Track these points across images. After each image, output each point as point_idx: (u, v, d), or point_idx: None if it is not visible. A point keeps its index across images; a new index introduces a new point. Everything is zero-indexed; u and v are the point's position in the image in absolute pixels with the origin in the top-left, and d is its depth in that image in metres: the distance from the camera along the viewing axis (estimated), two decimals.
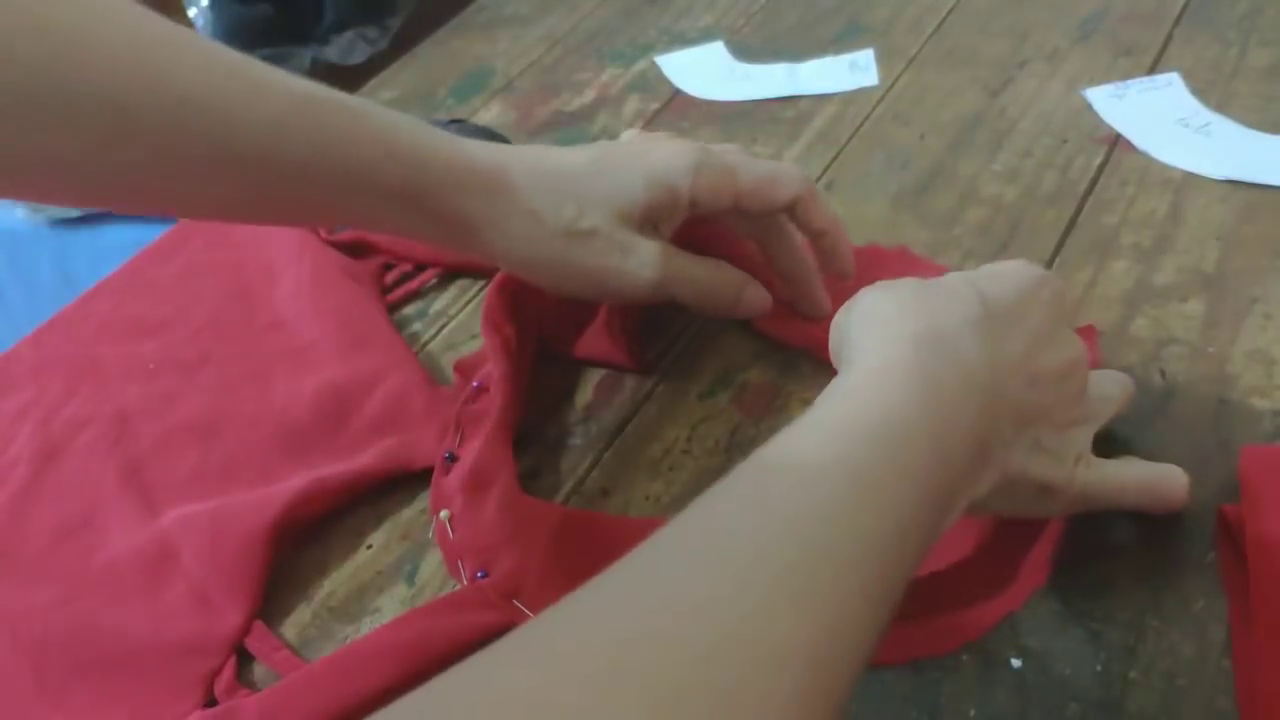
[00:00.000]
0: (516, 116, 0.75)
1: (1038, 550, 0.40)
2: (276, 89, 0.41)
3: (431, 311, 0.60)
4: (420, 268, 0.62)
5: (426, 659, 0.40)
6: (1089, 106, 0.63)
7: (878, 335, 0.34)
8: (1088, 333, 0.47)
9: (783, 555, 0.27)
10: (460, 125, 0.70)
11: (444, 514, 0.46)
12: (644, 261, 0.46)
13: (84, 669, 0.43)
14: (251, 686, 0.42)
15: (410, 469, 0.49)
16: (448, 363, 0.55)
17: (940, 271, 0.54)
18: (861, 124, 0.67)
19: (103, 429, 0.54)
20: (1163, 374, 0.46)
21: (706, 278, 0.48)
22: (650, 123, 0.71)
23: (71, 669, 0.43)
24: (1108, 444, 0.40)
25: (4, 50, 0.35)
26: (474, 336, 0.57)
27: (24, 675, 0.44)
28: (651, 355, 0.54)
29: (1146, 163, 0.59)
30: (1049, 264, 0.53)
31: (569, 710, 0.22)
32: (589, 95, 0.76)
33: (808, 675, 0.25)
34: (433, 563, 0.46)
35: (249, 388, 0.55)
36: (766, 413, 0.49)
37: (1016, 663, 0.38)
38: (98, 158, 0.39)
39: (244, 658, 0.43)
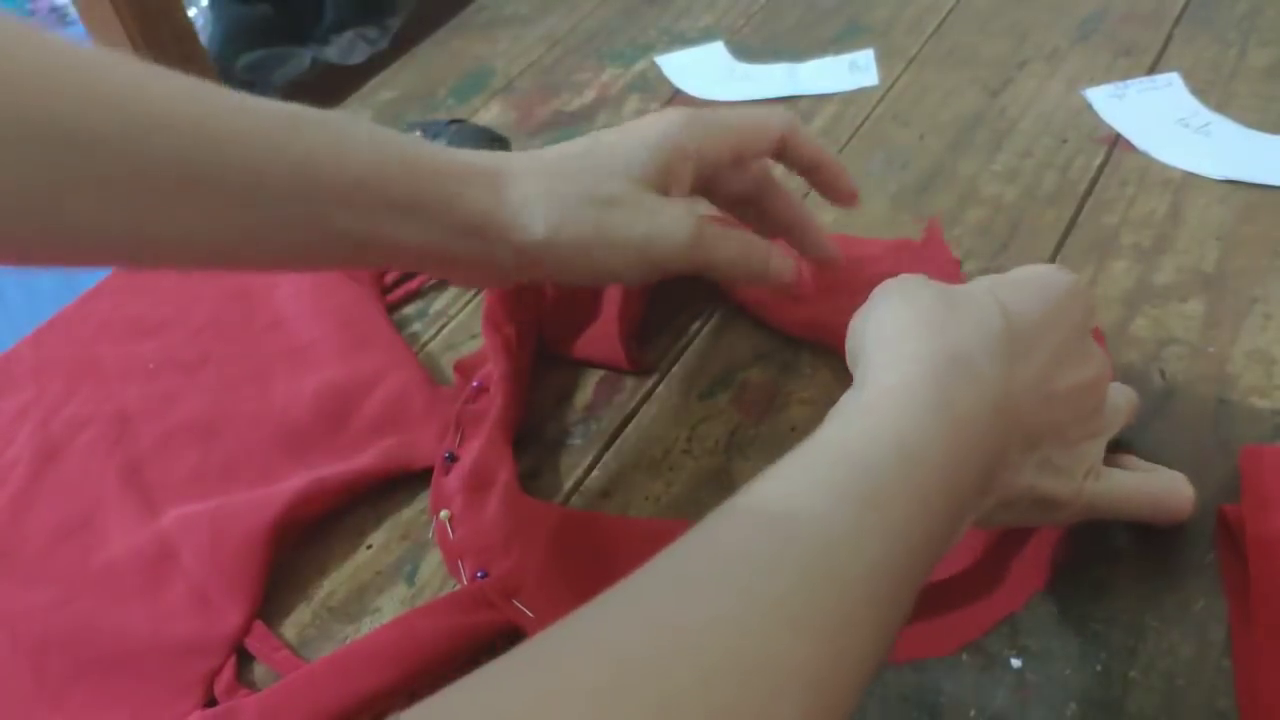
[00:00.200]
0: (516, 116, 0.75)
1: (1038, 551, 0.40)
2: (254, 105, 0.38)
3: (431, 311, 0.60)
4: None
5: (426, 659, 0.40)
6: (1089, 106, 0.63)
7: (894, 350, 0.34)
8: (1094, 336, 0.47)
9: (785, 577, 0.27)
10: (460, 125, 0.70)
11: (444, 514, 0.46)
12: (676, 219, 0.43)
13: (84, 669, 0.43)
14: (251, 686, 0.42)
15: (410, 469, 0.49)
16: (448, 363, 0.55)
17: (954, 265, 0.54)
18: (861, 124, 0.67)
19: (103, 429, 0.54)
20: (1163, 374, 0.46)
21: (738, 238, 0.46)
22: None
23: (71, 669, 0.43)
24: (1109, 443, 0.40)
25: None
26: (474, 336, 0.57)
27: (24, 675, 0.44)
28: (651, 356, 0.54)
29: (1146, 163, 0.59)
30: (1049, 264, 0.53)
31: None
32: (589, 95, 0.76)
33: (808, 696, 0.25)
34: (433, 563, 0.46)
35: (249, 388, 0.55)
36: (766, 413, 0.49)
37: (1016, 663, 0.38)
38: (57, 199, 0.34)
39: (244, 658, 0.43)
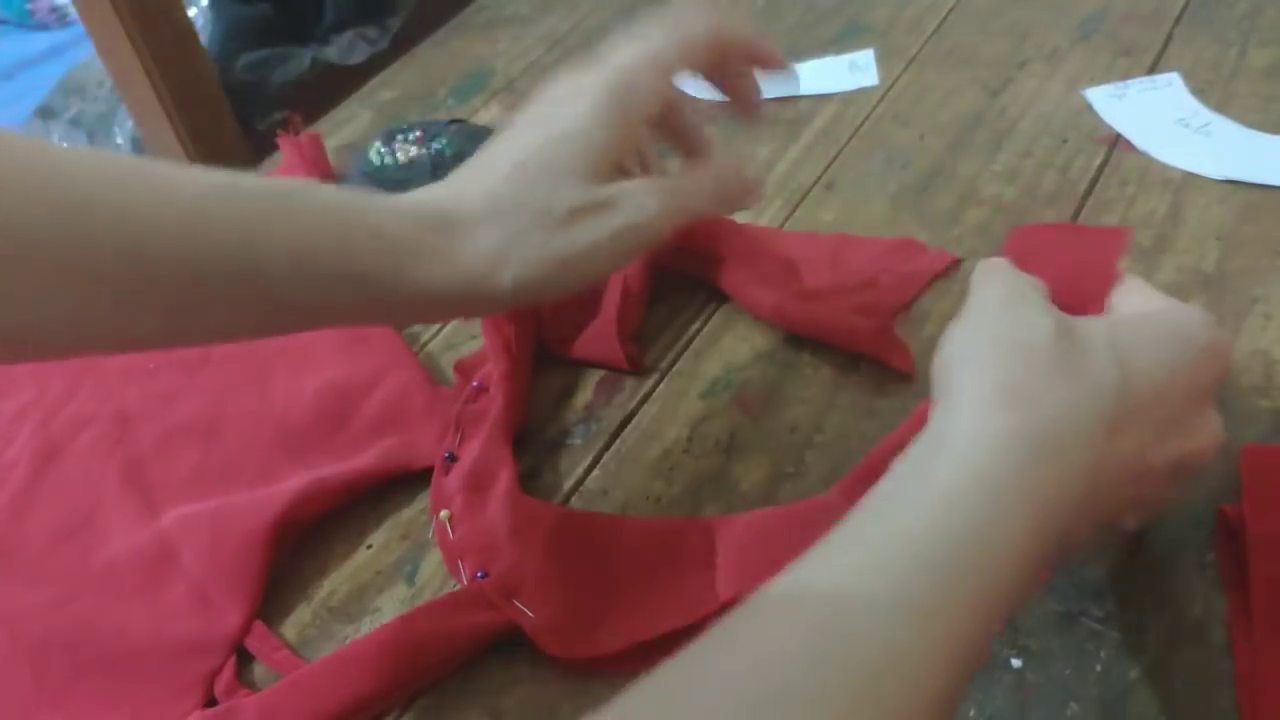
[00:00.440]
0: None
1: None
2: (187, 180, 0.35)
3: None
4: None
5: (426, 659, 0.40)
6: (1089, 106, 0.63)
7: (988, 417, 0.30)
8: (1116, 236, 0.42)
9: (832, 704, 0.25)
10: (460, 125, 0.70)
11: (444, 514, 0.46)
12: (639, 205, 0.40)
13: (84, 669, 0.43)
14: (251, 686, 0.42)
15: (410, 469, 0.49)
16: (448, 363, 0.55)
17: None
18: (861, 124, 0.67)
19: (103, 429, 0.54)
20: None
21: (706, 182, 0.43)
22: None
23: (71, 669, 0.43)
24: None
25: None
26: (474, 336, 0.57)
27: (24, 675, 0.44)
28: (651, 356, 0.54)
29: (1146, 163, 0.59)
30: None
31: None
32: None
33: None
34: (433, 563, 0.46)
35: (249, 388, 0.55)
36: (766, 413, 0.49)
37: (1016, 663, 0.38)
38: None
39: (244, 658, 0.43)
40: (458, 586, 0.44)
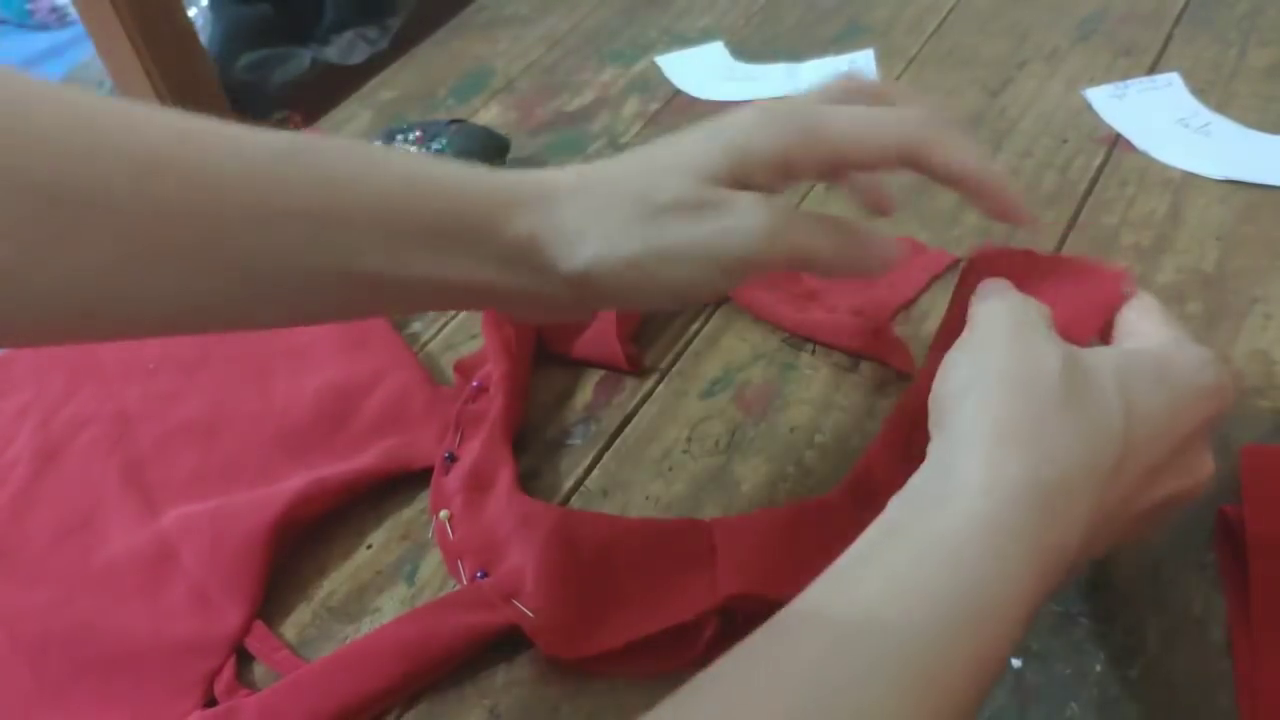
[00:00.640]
0: (516, 116, 0.75)
1: None
2: (259, 138, 0.33)
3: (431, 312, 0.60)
4: None
5: (426, 659, 0.40)
6: (1089, 106, 0.63)
7: (990, 464, 0.29)
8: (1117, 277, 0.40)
9: None
10: (460, 125, 0.70)
11: (444, 514, 0.46)
12: (746, 211, 0.35)
13: (84, 669, 0.43)
14: (251, 686, 0.42)
15: (410, 469, 0.49)
16: (448, 363, 0.55)
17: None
18: None
19: (103, 429, 0.54)
20: None
21: (830, 222, 0.37)
22: (650, 123, 0.71)
23: (71, 669, 0.43)
24: None
25: None
26: (474, 336, 0.57)
27: (24, 675, 0.43)
28: (651, 357, 0.54)
29: (1146, 163, 0.59)
30: None
31: None
32: (589, 95, 0.76)
33: None
34: (433, 563, 0.46)
35: (249, 388, 0.55)
36: (766, 413, 0.49)
37: (1016, 663, 0.38)
38: (47, 262, 0.30)
39: (244, 658, 0.43)
40: (458, 586, 0.44)
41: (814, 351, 0.52)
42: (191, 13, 1.27)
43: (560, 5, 0.89)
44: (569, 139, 0.71)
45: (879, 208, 0.42)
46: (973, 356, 0.33)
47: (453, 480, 0.47)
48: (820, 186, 0.62)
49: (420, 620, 0.42)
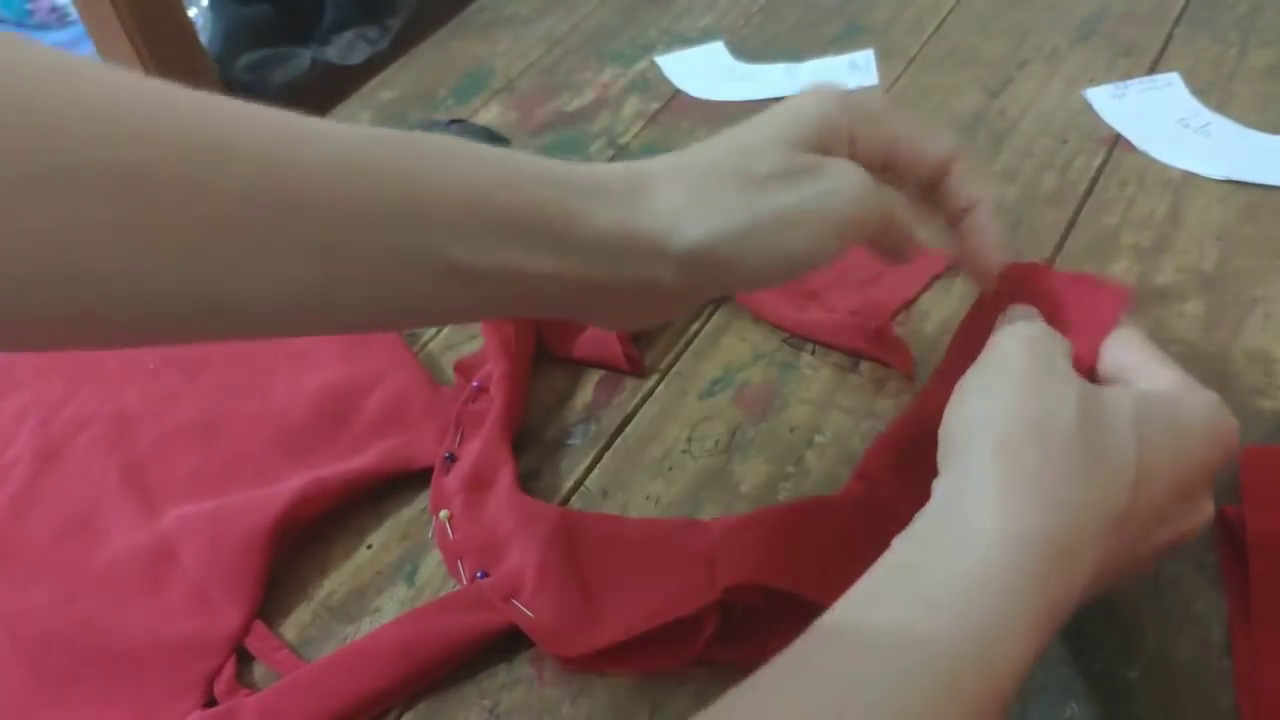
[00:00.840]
0: (516, 117, 0.75)
1: None
2: (334, 127, 0.32)
3: None
4: None
5: (426, 659, 0.40)
6: (1089, 107, 0.63)
7: (1004, 515, 0.29)
8: (1114, 291, 0.40)
9: None
10: (460, 125, 0.70)
11: (444, 514, 0.46)
12: (844, 170, 0.35)
13: (84, 669, 0.43)
14: (251, 686, 0.42)
15: (410, 469, 0.49)
16: (448, 363, 0.55)
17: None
18: None
19: (103, 429, 0.54)
20: None
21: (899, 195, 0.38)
22: (650, 123, 0.71)
23: (71, 669, 0.43)
24: None
25: None
26: (474, 336, 0.57)
27: (24, 675, 0.43)
28: (651, 357, 0.54)
29: (1146, 163, 0.59)
30: (1049, 264, 0.53)
31: None
32: (589, 95, 0.76)
33: None
34: (433, 563, 0.46)
35: (249, 388, 0.55)
36: (766, 413, 0.49)
37: None
38: (109, 254, 0.27)
39: (244, 658, 0.43)
40: (458, 586, 0.44)
41: (814, 351, 0.52)
42: (191, 13, 1.27)
43: (560, 5, 0.89)
44: (569, 139, 0.71)
45: (980, 278, 0.41)
46: (987, 393, 0.33)
47: (453, 480, 0.47)
48: None
49: (420, 620, 0.42)
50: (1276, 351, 0.46)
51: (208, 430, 0.53)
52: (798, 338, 0.52)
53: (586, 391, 0.52)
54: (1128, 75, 0.65)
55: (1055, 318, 0.37)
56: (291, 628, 0.45)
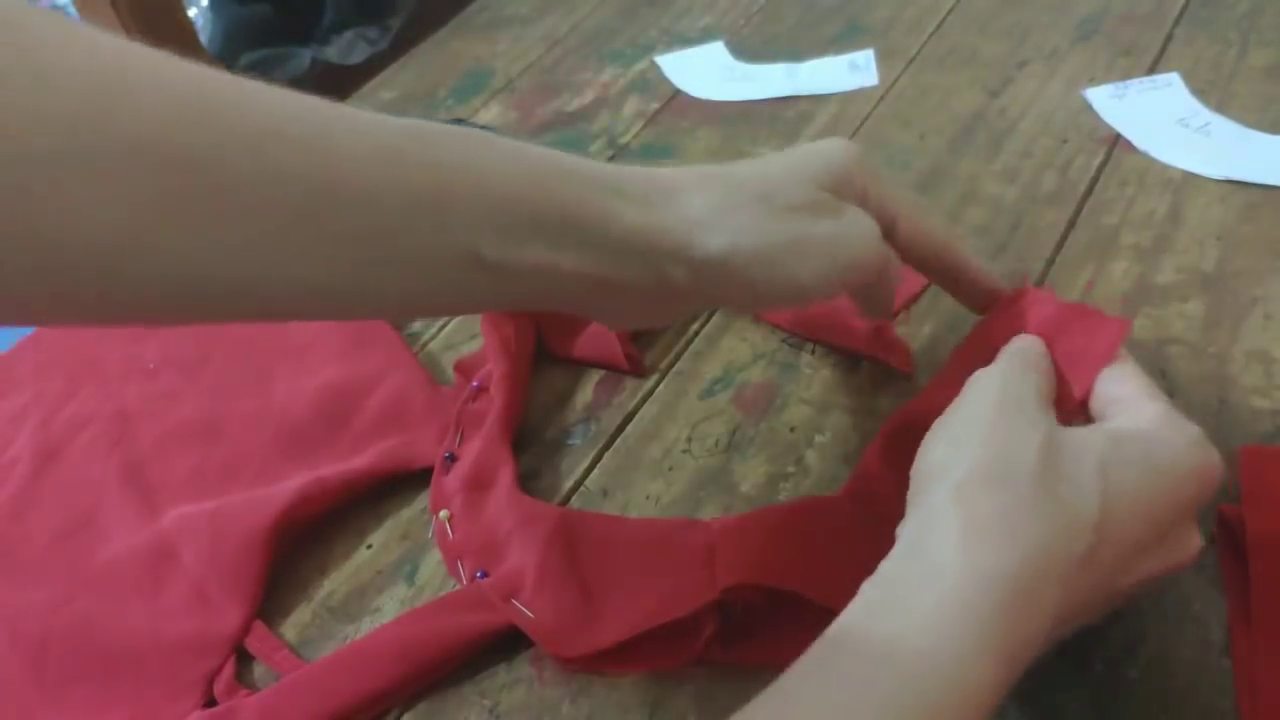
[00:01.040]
0: (516, 117, 0.75)
1: None
2: (370, 120, 0.32)
3: None
4: None
5: (426, 659, 0.40)
6: (1089, 107, 0.63)
7: (964, 556, 0.30)
8: (1112, 324, 0.39)
9: None
10: (460, 125, 0.70)
11: (444, 514, 0.46)
12: (859, 216, 0.38)
13: (84, 669, 0.43)
14: (251, 686, 0.42)
15: (410, 469, 0.49)
16: (448, 363, 0.55)
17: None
18: (861, 124, 0.67)
19: (103, 429, 0.54)
20: (1163, 374, 0.46)
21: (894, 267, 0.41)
22: (650, 123, 0.71)
23: (71, 669, 0.43)
24: None
25: (28, 104, 0.26)
26: (474, 336, 0.57)
27: (24, 675, 0.44)
28: (651, 357, 0.54)
29: (1146, 163, 0.59)
30: (1049, 264, 0.54)
31: None
32: (589, 95, 0.76)
33: None
34: (433, 563, 0.46)
35: (249, 388, 0.55)
36: (766, 413, 0.49)
37: None
38: (160, 229, 0.28)
39: (244, 658, 0.43)
40: (458, 586, 0.44)
41: (814, 351, 0.52)
42: (191, 13, 1.27)
43: (560, 5, 0.89)
44: (569, 139, 0.71)
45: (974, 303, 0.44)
46: (952, 437, 0.34)
47: (453, 480, 0.47)
48: None
49: (420, 620, 0.42)
50: (1276, 351, 0.46)
51: (208, 430, 0.53)
52: (798, 338, 0.53)
53: (586, 391, 0.52)
54: (1128, 75, 0.65)
55: (1055, 346, 0.38)
56: (291, 628, 0.45)
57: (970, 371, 0.36)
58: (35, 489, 0.52)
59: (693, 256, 0.36)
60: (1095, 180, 0.58)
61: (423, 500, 0.48)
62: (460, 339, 0.57)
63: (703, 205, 0.36)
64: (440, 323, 0.59)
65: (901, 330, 0.51)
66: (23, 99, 0.25)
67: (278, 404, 0.54)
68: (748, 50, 0.77)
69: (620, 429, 0.50)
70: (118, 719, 0.42)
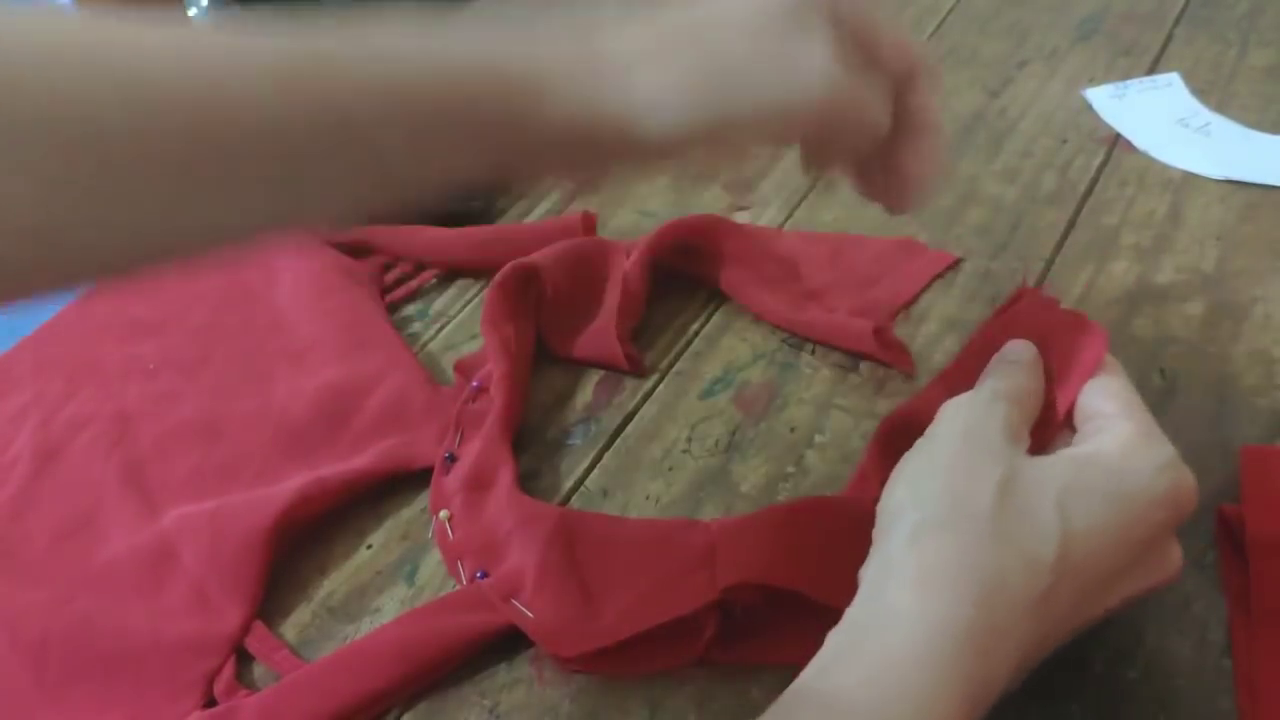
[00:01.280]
0: None
1: None
2: (258, 45, 0.30)
3: (431, 311, 0.60)
4: (420, 268, 0.62)
5: (426, 659, 0.40)
6: (1089, 106, 0.63)
7: (922, 599, 0.30)
8: (1097, 336, 0.40)
9: None
10: None
11: (444, 514, 0.46)
12: (816, 42, 0.32)
13: (84, 669, 0.43)
14: (251, 686, 0.42)
15: (410, 469, 0.49)
16: (448, 363, 0.55)
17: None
18: None
19: (103, 429, 0.54)
20: (1163, 374, 0.46)
21: (887, 100, 0.35)
22: None
23: (71, 669, 0.43)
24: None
25: None
26: (474, 336, 0.57)
27: (24, 675, 0.43)
28: (651, 357, 0.54)
29: (1146, 163, 0.59)
30: (1049, 264, 0.54)
31: None
32: None
33: None
34: (433, 563, 0.46)
35: (249, 388, 0.55)
36: (766, 413, 0.49)
37: None
38: (67, 209, 0.28)
39: (244, 658, 0.43)
40: (458, 586, 0.44)
41: (814, 351, 0.52)
42: (191, 13, 1.27)
43: (560, 5, 0.88)
44: None
45: (896, 201, 0.39)
46: (912, 478, 0.34)
47: (453, 480, 0.47)
48: (820, 187, 0.62)
49: (420, 620, 0.42)
50: (1276, 351, 0.47)
51: (208, 430, 0.53)
52: (798, 338, 0.53)
53: (586, 391, 0.52)
54: (1128, 75, 0.65)
55: (1050, 355, 0.38)
56: (291, 628, 0.45)
57: (971, 373, 0.36)
58: (35, 489, 0.52)
59: (638, 144, 0.32)
60: (1095, 180, 0.58)
61: (423, 500, 0.48)
62: (460, 339, 0.57)
63: (655, 81, 0.32)
64: (440, 323, 0.59)
65: (901, 330, 0.52)
66: None
67: (278, 404, 0.54)
68: None
69: (620, 429, 0.50)
70: (118, 719, 0.42)
